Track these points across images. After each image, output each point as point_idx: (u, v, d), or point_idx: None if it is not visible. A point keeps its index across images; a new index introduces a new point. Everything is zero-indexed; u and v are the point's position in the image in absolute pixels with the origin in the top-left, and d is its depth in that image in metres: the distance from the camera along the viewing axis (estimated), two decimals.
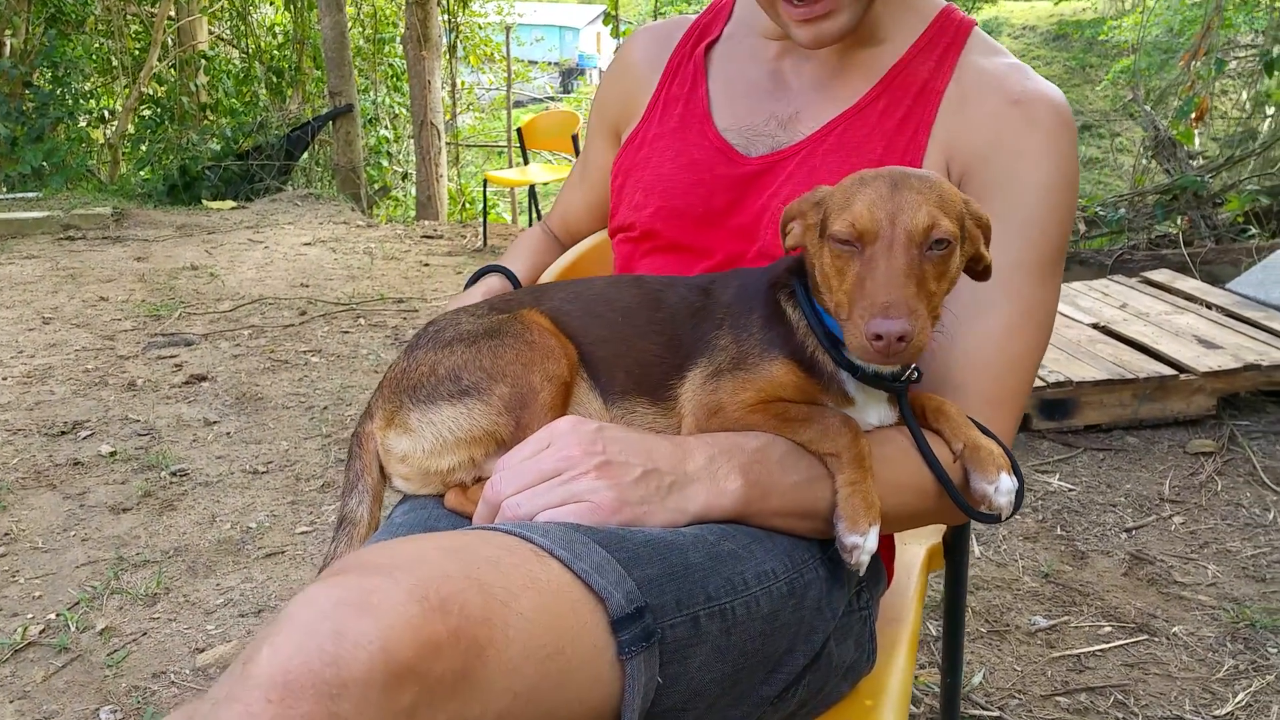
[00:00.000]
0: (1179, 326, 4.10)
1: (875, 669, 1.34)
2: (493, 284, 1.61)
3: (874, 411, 1.14)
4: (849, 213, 0.98)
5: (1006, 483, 1.11)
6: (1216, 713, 2.21)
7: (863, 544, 1.05)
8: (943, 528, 1.66)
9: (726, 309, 1.17)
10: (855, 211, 0.98)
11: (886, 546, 1.43)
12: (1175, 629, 2.49)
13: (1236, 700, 2.24)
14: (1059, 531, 3.00)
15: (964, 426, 1.15)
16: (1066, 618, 2.56)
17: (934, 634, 2.48)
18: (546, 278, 1.73)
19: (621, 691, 0.90)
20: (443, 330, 1.20)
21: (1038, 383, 3.60)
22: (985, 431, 1.16)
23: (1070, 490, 3.25)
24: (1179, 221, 6.11)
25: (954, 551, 1.62)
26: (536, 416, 1.11)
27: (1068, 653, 2.42)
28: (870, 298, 0.95)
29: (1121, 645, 2.44)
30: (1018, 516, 3.08)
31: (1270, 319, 4.10)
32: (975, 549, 2.89)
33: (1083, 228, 6.33)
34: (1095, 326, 4.22)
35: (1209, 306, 4.38)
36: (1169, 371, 3.66)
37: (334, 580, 0.79)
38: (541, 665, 0.84)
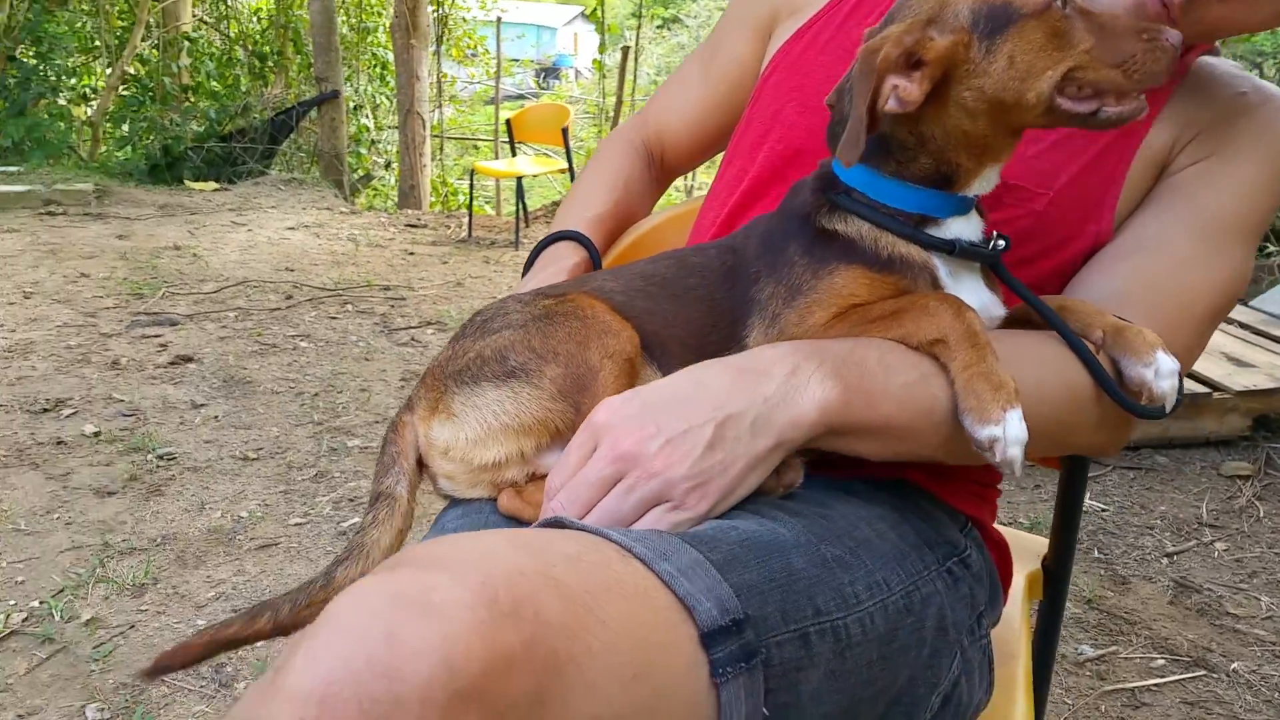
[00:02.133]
0: (1210, 344, 3.99)
1: (997, 715, 1.19)
2: (560, 255, 1.34)
3: (972, 294, 0.97)
4: None
5: (1166, 363, 0.94)
6: None
7: (1002, 434, 0.84)
8: (1041, 550, 1.52)
9: (758, 260, 1.01)
10: None
11: (1001, 559, 1.23)
12: (1235, 665, 2.35)
13: None
14: (1097, 554, 2.87)
15: (1099, 314, 0.99)
16: (1115, 647, 2.42)
17: None
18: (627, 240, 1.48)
19: None
20: (490, 319, 1.05)
21: None
22: None
23: (1104, 510, 3.13)
24: None
25: (1056, 580, 1.48)
26: (600, 401, 0.93)
27: (1120, 686, 2.29)
28: (1138, 28, 0.88)
29: (1178, 680, 2.30)
30: None
31: None
32: None
33: None
34: None
35: (1232, 324, 4.29)
36: (1201, 389, 3.55)
37: (386, 575, 0.62)
38: (626, 689, 0.67)
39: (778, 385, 0.87)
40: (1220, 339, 4.06)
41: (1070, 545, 1.47)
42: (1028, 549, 1.54)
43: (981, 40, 0.89)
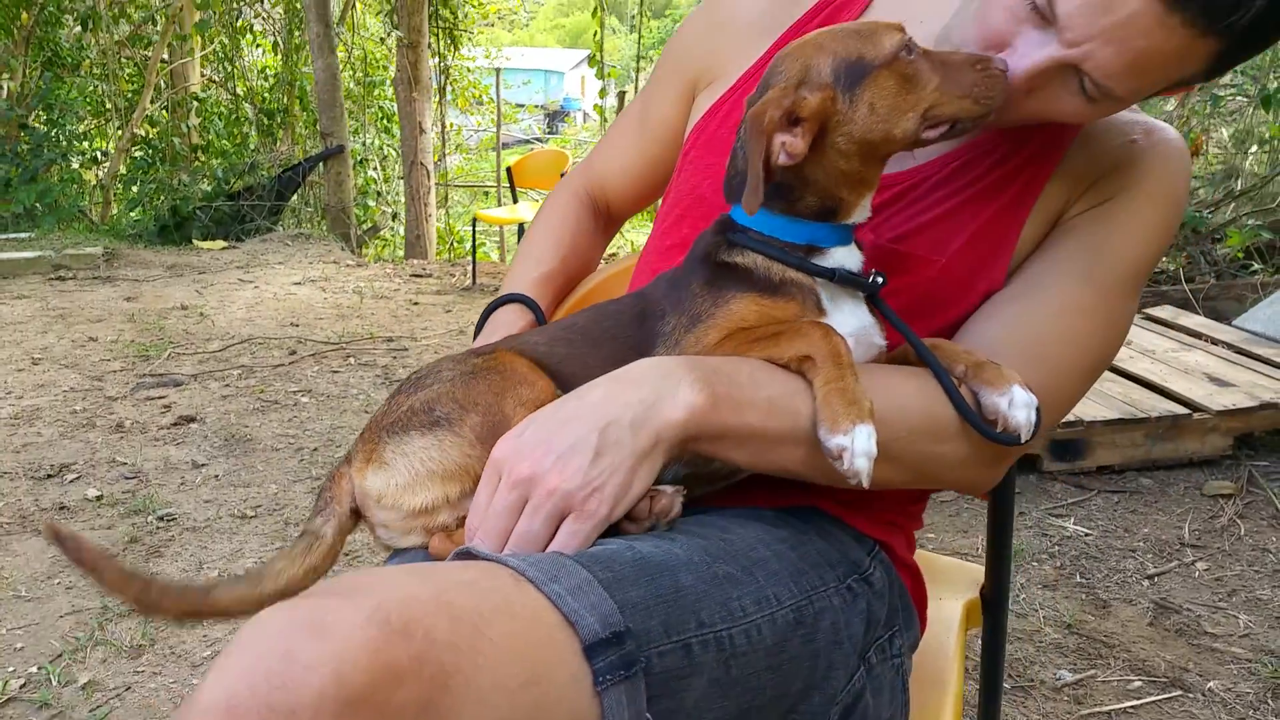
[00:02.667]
0: (1188, 364, 4.04)
1: None
2: (506, 320, 1.43)
3: (851, 317, 1.07)
4: (891, 36, 1.00)
5: (1021, 395, 1.02)
6: None
7: (850, 445, 0.93)
8: (978, 579, 1.57)
9: (665, 300, 1.12)
10: (893, 28, 1.01)
11: (914, 582, 1.30)
12: (1210, 684, 2.38)
13: None
14: (1078, 579, 2.90)
15: (965, 353, 1.07)
16: (1093, 671, 2.46)
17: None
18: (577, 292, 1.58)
19: None
20: (424, 376, 1.15)
21: None
22: None
23: (1087, 535, 3.16)
24: (1178, 258, 6.08)
25: (994, 607, 1.53)
26: None
27: (1097, 709, 2.32)
28: (971, 61, 1.00)
29: (1154, 701, 2.33)
30: (1035, 563, 2.99)
31: None
32: None
33: None
34: None
35: (1216, 343, 4.32)
36: (1182, 410, 3.58)
37: (288, 603, 0.72)
38: (513, 697, 0.76)
39: (651, 388, 0.96)
40: (1201, 357, 4.10)
41: (1004, 573, 1.52)
42: (970, 577, 1.60)
43: (844, 93, 1.00)
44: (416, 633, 0.71)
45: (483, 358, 1.13)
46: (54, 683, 2.40)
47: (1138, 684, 2.40)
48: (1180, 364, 4.06)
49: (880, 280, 1.08)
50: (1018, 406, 1.01)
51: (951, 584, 1.56)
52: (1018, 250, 1.18)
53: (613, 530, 0.98)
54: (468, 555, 0.90)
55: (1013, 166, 1.17)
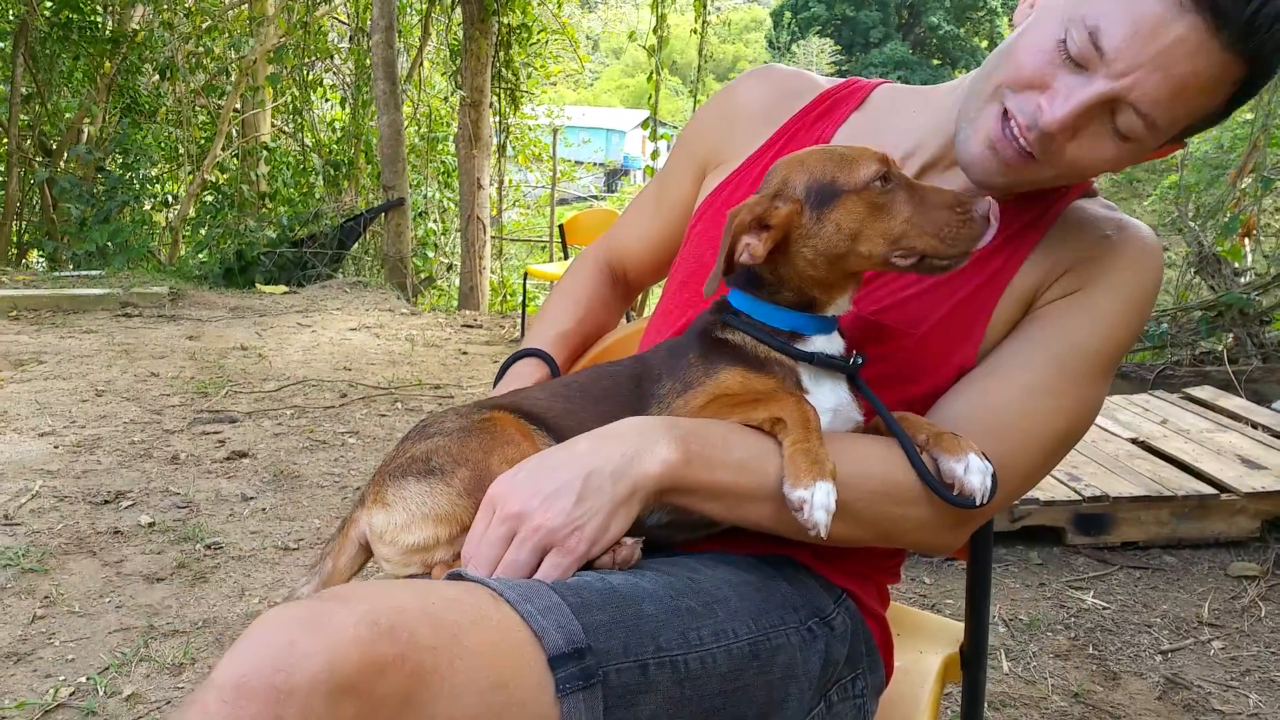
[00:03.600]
0: (1221, 445, 4.06)
1: None
2: (523, 373, 1.57)
3: (830, 395, 1.19)
4: (868, 166, 1.10)
5: (977, 462, 1.11)
6: None
7: (810, 498, 1.05)
8: (958, 637, 1.65)
9: (662, 366, 1.25)
10: (875, 158, 1.10)
11: (880, 630, 1.40)
12: None
13: None
14: (1091, 650, 2.94)
15: (928, 424, 1.18)
16: None
17: None
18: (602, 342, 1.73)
19: None
20: (428, 426, 1.29)
21: (1073, 495, 3.57)
22: None
23: (1105, 609, 3.20)
24: (1224, 339, 6.07)
25: (971, 664, 1.61)
26: None
27: None
28: (950, 202, 1.09)
29: None
30: (1049, 633, 3.03)
31: None
32: (1004, 664, 2.85)
33: None
34: (1134, 441, 4.19)
35: (1254, 426, 4.34)
36: (1210, 490, 3.62)
37: (294, 603, 0.86)
38: (484, 696, 0.88)
39: (631, 444, 1.10)
40: (1235, 439, 4.12)
41: (982, 632, 1.60)
42: (952, 635, 1.68)
43: (812, 210, 1.12)
44: (401, 635, 0.84)
45: (480, 417, 1.27)
46: (100, 693, 2.54)
47: None
48: (1213, 444, 4.08)
49: (859, 361, 1.20)
50: (973, 472, 1.11)
51: (933, 639, 1.65)
52: (990, 328, 1.28)
53: (588, 567, 1.11)
54: (458, 577, 1.03)
55: (991, 247, 1.25)
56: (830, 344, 1.20)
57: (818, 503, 1.05)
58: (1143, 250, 1.29)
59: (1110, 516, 3.60)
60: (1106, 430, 4.34)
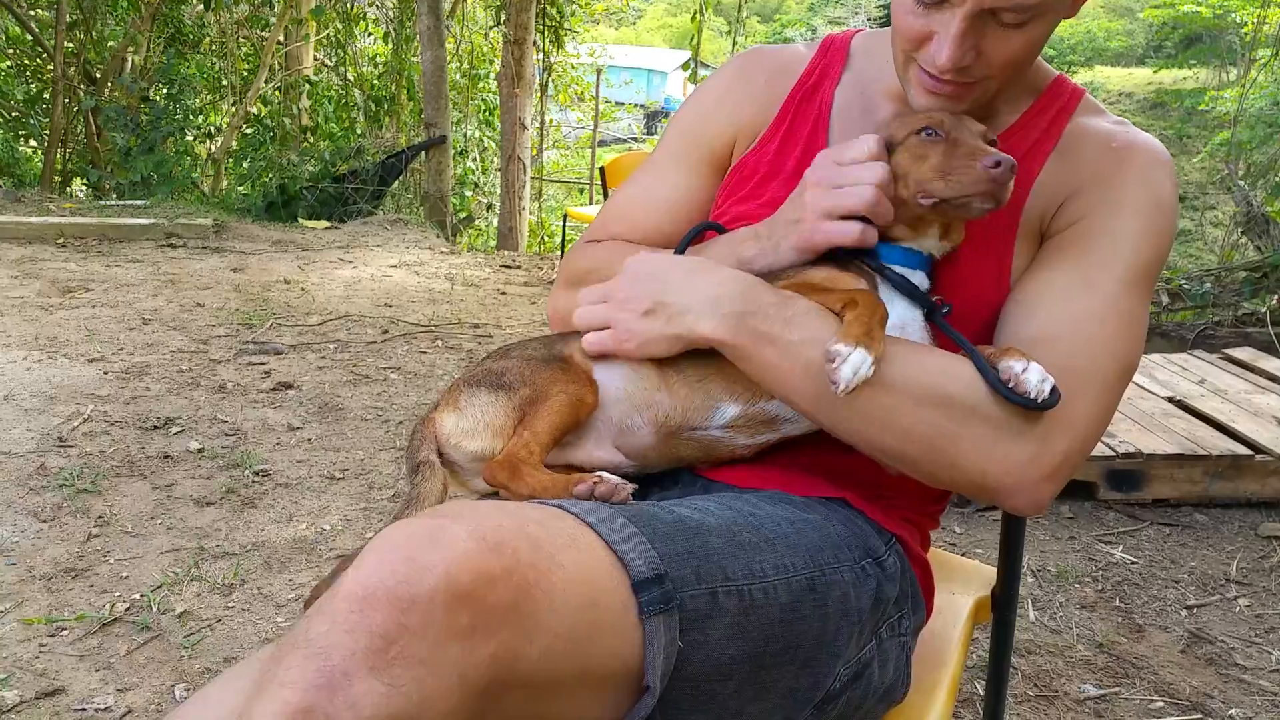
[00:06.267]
0: (1258, 406, 4.05)
1: (915, 711, 1.39)
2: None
3: (899, 315, 1.24)
4: (916, 122, 1.23)
5: (1038, 368, 1.12)
6: None
7: (846, 354, 1.10)
8: (990, 580, 1.69)
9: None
10: (921, 119, 1.23)
11: (924, 574, 1.43)
12: (1232, 711, 2.47)
13: None
14: (1117, 603, 2.98)
15: (992, 349, 1.21)
16: (1117, 689, 2.55)
17: (980, 694, 2.49)
18: None
19: (644, 648, 0.99)
20: (511, 348, 1.39)
21: (1108, 452, 3.58)
22: None
23: (1133, 563, 3.23)
24: (1268, 300, 6.02)
25: (1001, 606, 1.66)
26: (540, 416, 1.26)
27: None
28: (972, 151, 1.16)
29: None
30: (1076, 585, 3.07)
31: None
32: (1030, 613, 2.90)
33: (1165, 299, 6.26)
34: (1170, 400, 4.19)
35: None
36: (1244, 451, 3.62)
37: (407, 521, 0.92)
38: (579, 613, 0.94)
39: (702, 299, 1.23)
40: (1273, 400, 4.11)
41: (1014, 576, 1.64)
42: (985, 578, 1.73)
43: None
44: (506, 551, 0.90)
45: (560, 352, 1.35)
46: (154, 609, 2.65)
47: (1160, 704, 2.48)
48: (1250, 405, 4.08)
49: (942, 305, 1.26)
50: (1032, 372, 1.11)
51: (967, 581, 1.70)
52: (1015, 259, 1.32)
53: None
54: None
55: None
56: (914, 275, 1.27)
57: (852, 360, 1.10)
58: (1151, 161, 1.30)
59: (1143, 473, 3.61)
60: (1144, 388, 4.34)
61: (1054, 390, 1.11)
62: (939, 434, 1.16)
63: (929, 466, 1.20)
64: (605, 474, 1.24)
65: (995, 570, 1.70)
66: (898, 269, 1.27)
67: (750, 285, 1.23)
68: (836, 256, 1.27)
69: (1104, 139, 1.33)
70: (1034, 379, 1.11)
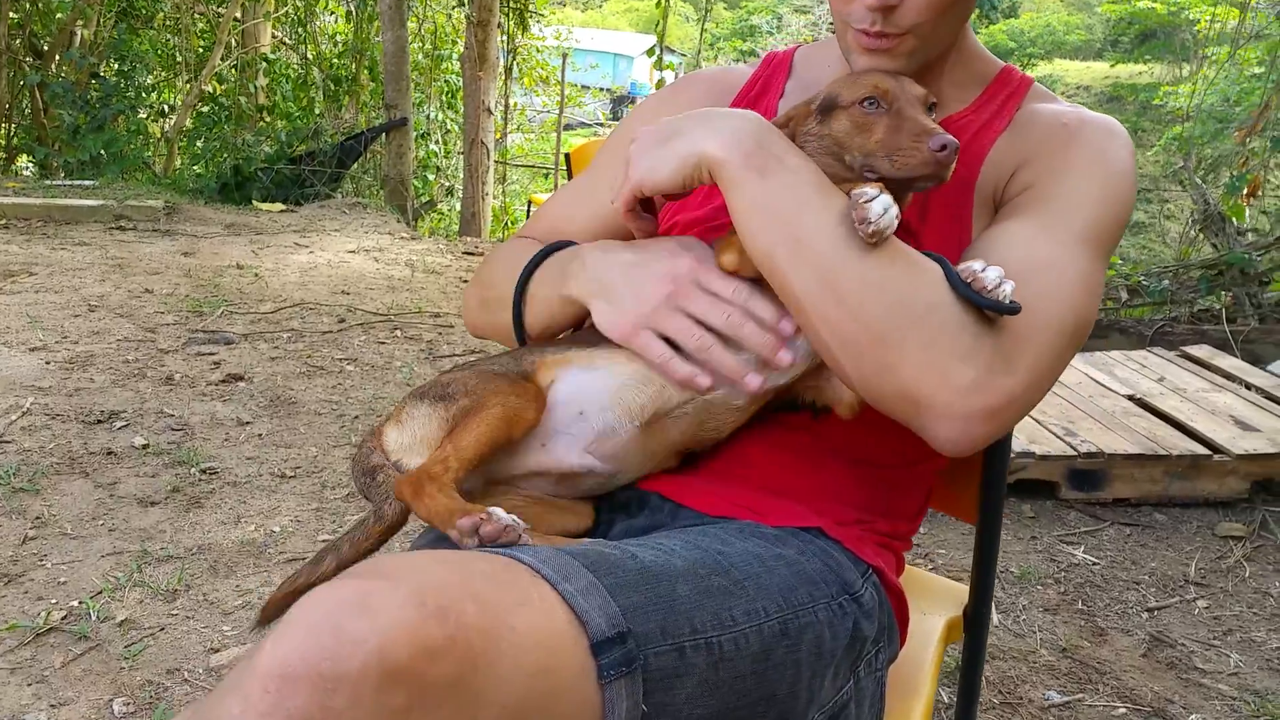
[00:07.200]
0: (1216, 405, 4.06)
1: None
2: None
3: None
4: (863, 88, 1.19)
5: (996, 270, 1.07)
6: None
7: (873, 194, 1.07)
8: (963, 599, 1.65)
9: None
10: (871, 86, 1.18)
11: (899, 604, 1.38)
12: (1192, 716, 2.45)
13: None
14: (1080, 605, 2.97)
15: None
16: (1081, 695, 2.53)
17: (945, 701, 2.46)
18: None
19: (604, 716, 0.92)
20: (480, 362, 1.30)
21: (1069, 451, 3.57)
22: None
23: (1094, 564, 3.22)
24: (1223, 297, 6.06)
25: (974, 625, 1.62)
26: (467, 429, 1.16)
27: None
28: (917, 130, 1.12)
29: None
30: (1039, 587, 3.06)
31: None
32: (994, 617, 2.87)
33: (1124, 295, 6.29)
34: (1131, 398, 4.19)
35: (1248, 387, 4.34)
36: (1203, 451, 3.62)
37: (338, 583, 0.82)
38: (530, 681, 0.86)
39: (715, 127, 1.16)
40: (1230, 400, 4.12)
41: (987, 595, 1.60)
42: (956, 596, 1.68)
43: (817, 115, 1.22)
44: (450, 616, 0.80)
45: (524, 366, 1.27)
46: (93, 617, 2.55)
47: (1122, 710, 2.46)
48: (1208, 404, 4.08)
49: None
50: (990, 270, 1.07)
51: (937, 601, 1.65)
52: (974, 232, 1.29)
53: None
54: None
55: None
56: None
57: (882, 199, 1.07)
58: (1104, 132, 1.29)
59: (1104, 473, 3.61)
60: (1105, 386, 4.34)
61: (1013, 302, 1.06)
62: (893, 328, 1.07)
63: (867, 365, 1.10)
64: (496, 511, 1.08)
65: (966, 588, 1.66)
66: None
67: (768, 126, 1.18)
68: None
69: (1056, 117, 1.33)
70: (992, 275, 1.06)
